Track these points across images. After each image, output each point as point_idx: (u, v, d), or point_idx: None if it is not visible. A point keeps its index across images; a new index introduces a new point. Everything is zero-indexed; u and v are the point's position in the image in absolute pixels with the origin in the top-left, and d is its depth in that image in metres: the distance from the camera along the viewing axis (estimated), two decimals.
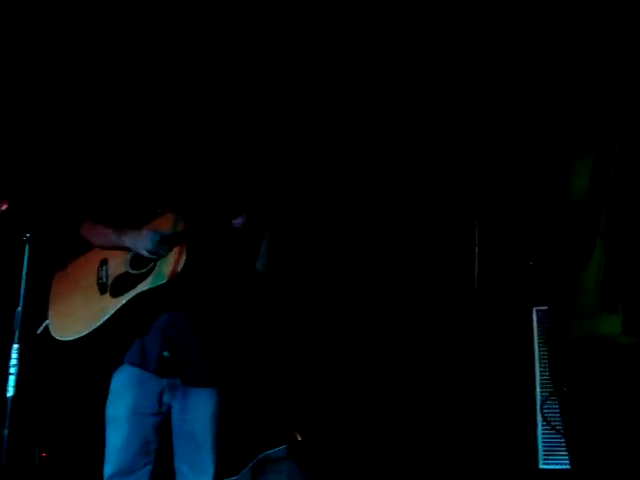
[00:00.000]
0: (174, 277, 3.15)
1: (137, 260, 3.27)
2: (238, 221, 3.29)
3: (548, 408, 4.10)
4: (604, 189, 2.69)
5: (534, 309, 4.26)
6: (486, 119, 4.05)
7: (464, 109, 4.49)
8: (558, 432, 4.00)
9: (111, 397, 3.30)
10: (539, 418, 4.17)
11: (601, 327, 2.68)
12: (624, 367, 2.59)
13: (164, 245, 3.21)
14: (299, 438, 4.32)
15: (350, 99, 4.68)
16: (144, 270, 3.24)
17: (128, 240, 3.28)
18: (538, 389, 4.16)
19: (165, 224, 3.27)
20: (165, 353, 3.23)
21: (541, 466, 4.22)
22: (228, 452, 3.34)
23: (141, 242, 3.24)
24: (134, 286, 3.23)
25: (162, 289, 3.18)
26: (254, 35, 4.39)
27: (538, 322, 4.21)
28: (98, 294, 3.28)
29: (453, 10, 4.37)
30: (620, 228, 2.64)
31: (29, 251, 3.09)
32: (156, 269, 3.22)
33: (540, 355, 4.16)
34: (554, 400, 3.89)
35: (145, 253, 3.22)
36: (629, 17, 2.76)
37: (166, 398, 3.27)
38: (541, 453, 4.17)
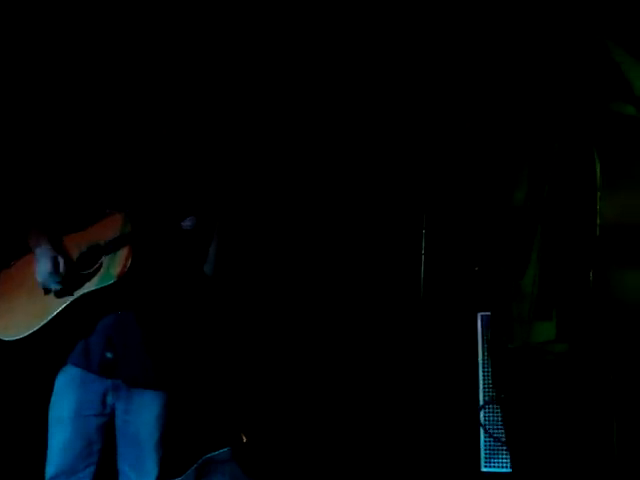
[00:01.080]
0: (121, 278, 3.14)
1: (84, 259, 3.25)
2: (187, 223, 3.30)
3: (489, 413, 4.15)
4: (539, 200, 2.74)
5: (479, 314, 4.30)
6: (432, 128, 4.09)
7: (410, 118, 4.54)
8: (495, 438, 4.06)
9: (54, 398, 3.28)
10: (481, 420, 4.22)
11: (536, 334, 2.73)
12: (558, 374, 2.64)
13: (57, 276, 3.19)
14: (244, 440, 4.33)
15: (295, 105, 4.69)
16: (91, 270, 3.23)
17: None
18: (481, 394, 4.20)
19: (113, 225, 3.26)
20: (108, 354, 3.22)
21: (483, 469, 4.26)
22: (172, 453, 3.34)
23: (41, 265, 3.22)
24: (80, 286, 3.21)
25: (108, 290, 3.17)
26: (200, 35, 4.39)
27: (482, 327, 4.26)
28: (42, 294, 3.26)
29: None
30: (554, 238, 2.69)
31: None
32: (103, 269, 3.21)
33: (483, 360, 4.21)
34: (496, 405, 3.95)
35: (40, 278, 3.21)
36: (563, 29, 2.81)
37: (110, 399, 3.26)
38: (483, 456, 4.22)
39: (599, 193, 2.49)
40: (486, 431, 4.12)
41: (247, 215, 3.46)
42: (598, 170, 2.50)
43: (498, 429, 4.14)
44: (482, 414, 4.21)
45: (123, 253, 3.18)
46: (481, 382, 4.23)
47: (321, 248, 4.79)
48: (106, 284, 3.17)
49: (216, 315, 3.89)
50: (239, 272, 3.84)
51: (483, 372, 4.21)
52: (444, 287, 4.61)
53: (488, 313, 4.09)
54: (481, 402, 4.22)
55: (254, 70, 4.56)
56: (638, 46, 2.75)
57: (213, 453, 4.00)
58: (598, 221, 2.49)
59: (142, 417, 3.25)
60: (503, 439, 4.05)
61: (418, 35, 4.48)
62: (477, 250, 4.35)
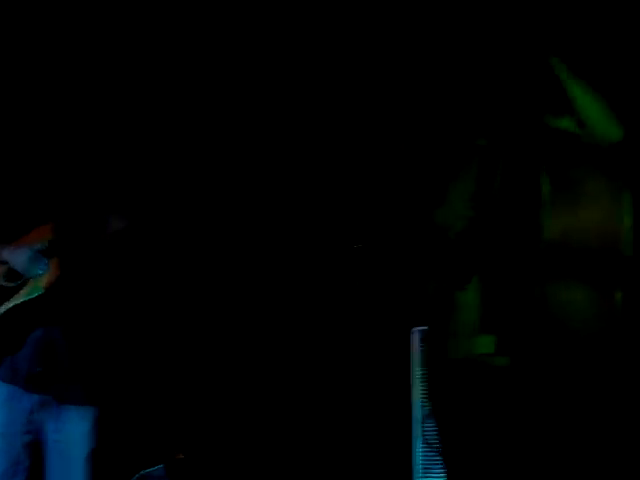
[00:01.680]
0: (49, 289, 3.09)
1: (12, 273, 3.18)
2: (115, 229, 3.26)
3: (425, 427, 4.15)
4: (482, 212, 2.75)
5: (414, 329, 4.30)
6: (363, 137, 4.09)
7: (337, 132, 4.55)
8: (435, 451, 4.06)
9: None
10: (416, 436, 4.21)
11: (477, 347, 2.74)
12: (497, 388, 2.65)
13: (41, 260, 3.14)
14: (179, 457, 4.26)
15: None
16: (19, 282, 3.16)
17: (5, 254, 3.19)
18: (416, 408, 4.20)
19: (40, 236, 3.19)
20: (37, 368, 3.15)
21: None
22: (106, 470, 3.29)
23: (16, 257, 3.16)
24: (7, 299, 3.14)
25: (36, 302, 3.11)
26: None
27: (417, 342, 4.26)
28: None
29: None
30: (496, 250, 2.70)
31: None
32: (31, 281, 3.14)
33: (418, 375, 4.21)
34: (431, 420, 3.94)
35: (20, 269, 3.14)
36: (507, 45, 2.83)
37: (38, 416, 3.19)
38: (417, 471, 4.21)
39: (543, 208, 2.51)
40: (427, 444, 4.12)
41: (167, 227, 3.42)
42: (543, 185, 2.52)
43: (434, 444, 4.14)
44: (419, 429, 4.20)
45: (51, 264, 3.12)
46: (415, 399, 4.22)
47: (255, 262, 4.75)
48: (34, 296, 3.10)
49: (150, 328, 3.84)
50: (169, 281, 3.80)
51: (417, 389, 4.20)
52: (378, 301, 4.60)
53: (423, 328, 4.11)
54: (416, 417, 4.21)
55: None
56: (583, 64, 2.79)
57: (147, 470, 3.96)
58: (541, 236, 2.51)
59: (72, 434, 3.19)
60: (438, 454, 4.05)
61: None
62: (418, 262, 4.37)
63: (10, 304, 3.14)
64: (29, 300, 3.12)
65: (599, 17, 3.80)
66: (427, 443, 4.13)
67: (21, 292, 3.15)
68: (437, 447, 4.01)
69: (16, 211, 3.27)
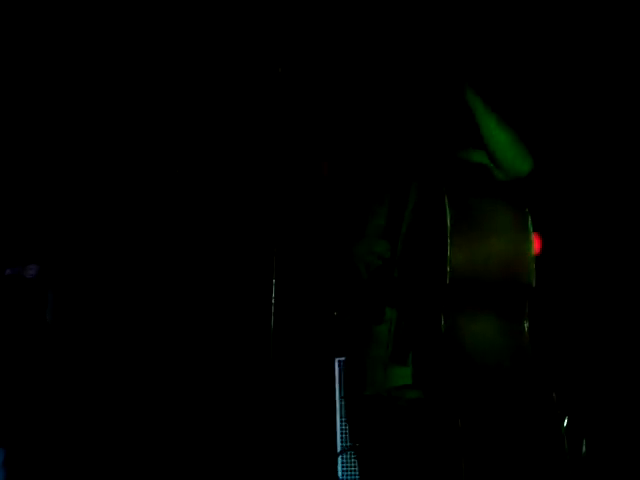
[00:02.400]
0: None
1: None
2: (30, 272, 3.19)
3: (347, 459, 4.13)
4: (395, 244, 2.76)
5: (336, 359, 4.29)
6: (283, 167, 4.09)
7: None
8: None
9: None
10: (339, 468, 4.19)
11: (392, 379, 2.73)
12: (410, 420, 2.64)
13: None
14: None
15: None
16: None
17: None
18: (338, 440, 4.18)
19: None
20: None
21: None
22: None
23: None
24: None
25: None
26: None
27: (339, 372, 4.25)
28: None
29: None
30: (409, 282, 2.70)
31: None
32: None
33: (341, 406, 4.19)
34: (353, 452, 3.92)
35: None
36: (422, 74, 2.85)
37: None
38: None
39: (449, 240, 2.51)
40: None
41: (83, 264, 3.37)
42: (448, 217, 2.52)
43: (355, 476, 4.12)
44: (340, 461, 4.18)
45: None
46: (338, 429, 4.21)
47: (166, 295, 4.71)
48: None
49: (58, 365, 3.75)
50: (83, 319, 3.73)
51: (340, 419, 4.19)
52: (300, 333, 4.58)
53: (345, 358, 4.10)
54: (339, 448, 4.19)
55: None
56: (497, 96, 2.82)
57: None
58: (448, 268, 2.51)
59: None
60: None
61: None
62: (335, 295, 4.36)
63: None
64: None
65: (516, 49, 3.87)
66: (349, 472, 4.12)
67: None
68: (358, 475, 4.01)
69: None
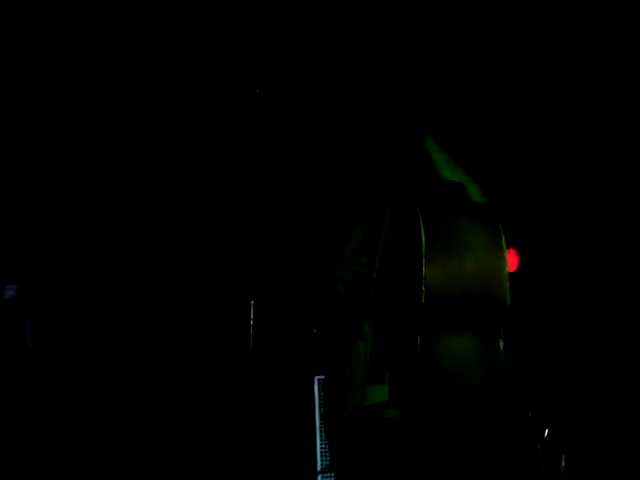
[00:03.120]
0: None
1: None
2: (9, 293, 3.17)
3: (327, 478, 4.12)
4: (373, 261, 2.77)
5: (315, 377, 4.28)
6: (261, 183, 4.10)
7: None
8: None
9: None
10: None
11: (369, 397, 2.73)
12: (387, 439, 2.64)
13: None
14: None
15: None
16: None
17: None
18: (318, 458, 4.16)
19: None
20: None
21: None
22: None
23: None
24: None
25: None
26: None
27: (319, 391, 4.24)
28: None
29: None
30: (386, 301, 2.70)
31: None
32: None
33: (321, 424, 4.18)
34: (332, 472, 3.91)
35: None
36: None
37: None
38: None
39: (424, 259, 2.52)
40: None
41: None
42: (423, 236, 2.53)
43: None
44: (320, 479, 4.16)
45: None
46: (318, 447, 4.19)
47: (146, 318, 4.70)
48: None
49: (44, 389, 3.73)
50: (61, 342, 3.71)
51: (320, 437, 4.17)
52: (279, 351, 4.57)
53: (325, 377, 4.09)
54: (318, 468, 4.17)
55: None
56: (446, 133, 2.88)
57: None
58: (423, 287, 2.51)
59: None
60: None
61: None
62: (314, 313, 4.36)
63: None
64: None
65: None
66: None
67: None
68: None
69: None
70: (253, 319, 3.85)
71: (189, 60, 4.64)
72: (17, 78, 4.30)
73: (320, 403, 4.18)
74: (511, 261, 4.07)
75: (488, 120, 4.23)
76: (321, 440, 4.16)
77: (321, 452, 4.16)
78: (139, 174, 4.76)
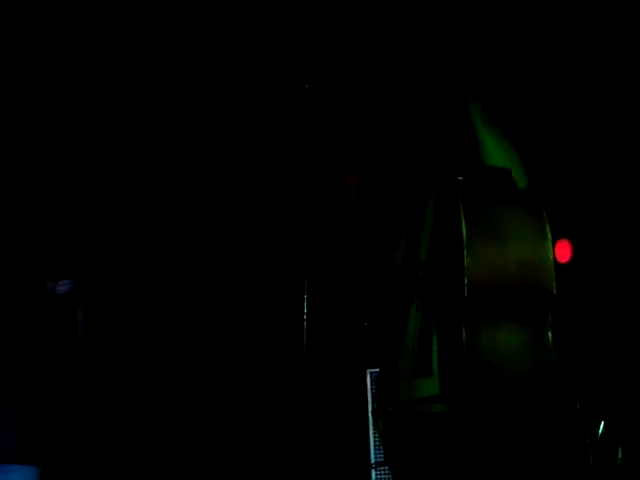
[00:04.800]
0: None
1: None
2: (62, 287, 3.22)
3: (381, 473, 4.11)
4: (416, 258, 2.75)
5: (367, 371, 4.27)
6: (309, 186, 4.11)
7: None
8: None
9: None
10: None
11: (419, 390, 2.72)
12: (439, 433, 2.62)
13: None
14: None
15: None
16: None
17: None
18: (372, 452, 4.16)
19: None
20: None
21: None
22: None
23: None
24: None
25: None
26: None
27: (371, 384, 4.23)
28: None
29: None
30: (430, 296, 2.69)
31: None
32: None
33: (372, 418, 4.17)
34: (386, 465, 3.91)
35: None
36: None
37: None
38: None
39: (465, 251, 2.49)
40: None
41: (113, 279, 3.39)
42: (464, 227, 2.51)
43: None
44: (373, 474, 4.16)
45: None
46: (371, 441, 4.18)
47: (200, 309, 4.73)
48: None
49: (91, 381, 3.78)
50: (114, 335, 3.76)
51: (373, 431, 4.17)
52: (332, 345, 4.58)
53: (377, 369, 4.08)
54: (372, 461, 4.16)
55: None
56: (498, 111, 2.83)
57: None
58: (465, 280, 2.49)
59: None
60: None
61: None
62: (366, 305, 4.36)
63: None
64: None
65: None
66: None
67: None
68: None
69: None
70: (306, 313, 3.86)
71: (239, 55, 4.66)
72: (29, 78, 4.36)
73: (372, 396, 4.18)
74: (564, 252, 4.02)
75: (542, 101, 4.14)
76: (374, 433, 4.15)
77: (374, 446, 4.16)
78: (192, 170, 4.80)
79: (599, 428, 3.54)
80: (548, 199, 2.72)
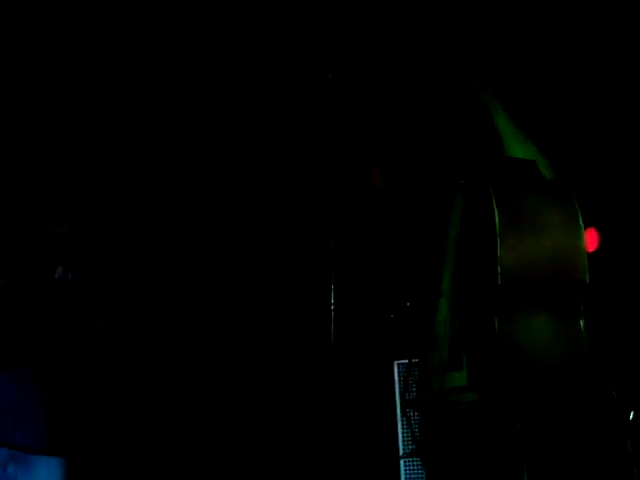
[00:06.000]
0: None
1: None
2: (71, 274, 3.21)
3: (410, 464, 4.12)
4: (444, 249, 2.76)
5: (395, 362, 4.28)
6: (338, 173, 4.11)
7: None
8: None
9: None
10: (402, 474, 4.17)
11: (449, 381, 2.72)
12: (470, 423, 2.62)
13: None
14: None
15: None
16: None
17: None
18: (400, 443, 4.16)
19: None
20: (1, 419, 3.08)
21: None
22: None
23: None
24: None
25: None
26: None
27: (399, 375, 4.23)
28: None
29: None
30: (462, 288, 2.69)
31: None
32: None
33: (401, 409, 4.17)
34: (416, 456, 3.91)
35: None
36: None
37: (11, 469, 3.12)
38: None
39: (498, 240, 2.49)
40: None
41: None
42: (497, 217, 2.50)
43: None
44: (402, 464, 4.16)
45: None
46: (400, 432, 4.19)
47: (229, 301, 4.74)
48: None
49: (113, 370, 3.79)
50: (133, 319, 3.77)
51: (401, 422, 4.17)
52: (359, 336, 4.58)
53: (404, 361, 4.09)
54: (400, 452, 4.17)
55: None
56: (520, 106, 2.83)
57: None
58: (499, 269, 2.49)
59: None
60: None
61: None
62: (393, 298, 4.36)
63: None
64: None
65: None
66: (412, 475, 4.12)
67: None
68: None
69: None
70: (334, 304, 3.86)
71: (262, 44, 4.65)
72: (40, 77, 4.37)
73: (400, 388, 4.18)
74: (591, 240, 4.01)
75: (563, 90, 4.12)
76: (402, 425, 4.16)
77: (403, 437, 4.16)
78: (211, 163, 4.80)
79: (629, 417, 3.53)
80: (574, 187, 2.72)
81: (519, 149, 2.75)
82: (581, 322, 2.56)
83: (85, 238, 3.26)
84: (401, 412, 4.14)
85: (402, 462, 4.14)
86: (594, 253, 4.01)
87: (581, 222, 2.56)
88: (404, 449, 4.14)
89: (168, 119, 4.66)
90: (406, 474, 4.17)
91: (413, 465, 4.12)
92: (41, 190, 3.32)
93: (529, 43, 4.03)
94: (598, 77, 4.18)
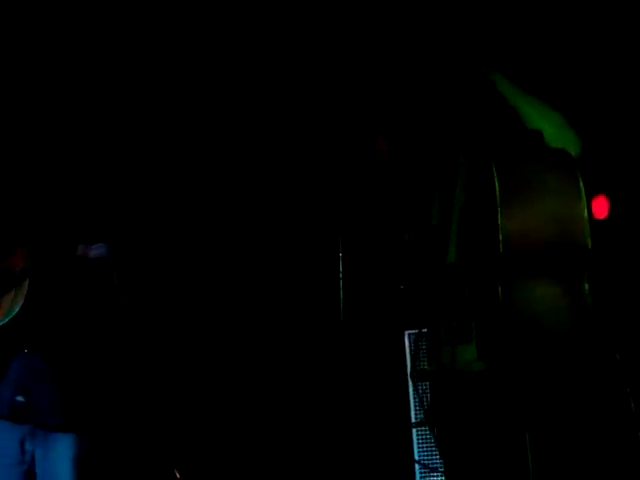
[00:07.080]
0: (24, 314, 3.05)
1: None
2: (97, 251, 3.21)
3: (421, 433, 4.14)
4: (450, 218, 2.76)
5: (406, 332, 4.29)
6: (342, 149, 4.10)
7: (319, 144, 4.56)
8: (426, 466, 4.08)
9: None
10: (414, 442, 4.20)
11: (460, 353, 2.73)
12: (479, 393, 2.64)
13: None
14: (178, 476, 4.24)
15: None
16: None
17: None
18: (412, 412, 4.19)
19: (18, 262, 3.16)
20: (19, 398, 3.11)
21: None
22: None
23: None
24: None
25: (13, 329, 3.07)
26: None
27: (410, 345, 4.25)
28: None
29: None
30: (469, 258, 2.69)
31: None
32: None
33: (412, 378, 4.18)
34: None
35: None
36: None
37: (29, 445, 3.15)
38: (418, 476, 4.20)
39: (499, 208, 2.50)
40: (419, 463, 4.13)
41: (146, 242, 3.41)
42: (497, 185, 2.51)
43: (430, 450, 4.13)
44: (415, 433, 4.19)
45: (23, 288, 3.09)
46: (412, 401, 4.21)
47: (237, 271, 4.76)
48: (6, 321, 3.06)
49: (132, 348, 3.82)
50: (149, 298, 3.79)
51: (413, 391, 4.19)
52: (368, 307, 4.59)
53: (415, 331, 4.10)
54: (412, 421, 4.19)
55: None
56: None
57: None
58: (500, 237, 2.49)
59: (59, 463, 3.14)
60: (435, 464, 4.06)
61: None
62: (402, 268, 4.36)
63: None
64: (5, 327, 3.07)
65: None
66: (423, 453, 4.15)
67: None
68: (434, 457, 4.04)
69: None
70: (342, 273, 3.87)
71: (265, 13, 4.64)
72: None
73: (411, 357, 4.20)
74: (601, 208, 3.99)
75: (569, 53, 4.09)
76: (414, 394, 4.18)
77: (414, 406, 4.19)
78: (228, 133, 4.80)
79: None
80: (586, 154, 2.71)
81: (540, 121, 2.72)
82: (585, 286, 2.56)
83: (121, 220, 3.27)
84: (412, 382, 4.15)
85: (414, 431, 4.17)
86: (604, 220, 4.01)
87: (582, 187, 2.55)
88: (416, 418, 4.17)
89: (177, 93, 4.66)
90: (418, 442, 4.19)
91: (425, 433, 4.14)
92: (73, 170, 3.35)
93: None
94: (606, 43, 4.15)
